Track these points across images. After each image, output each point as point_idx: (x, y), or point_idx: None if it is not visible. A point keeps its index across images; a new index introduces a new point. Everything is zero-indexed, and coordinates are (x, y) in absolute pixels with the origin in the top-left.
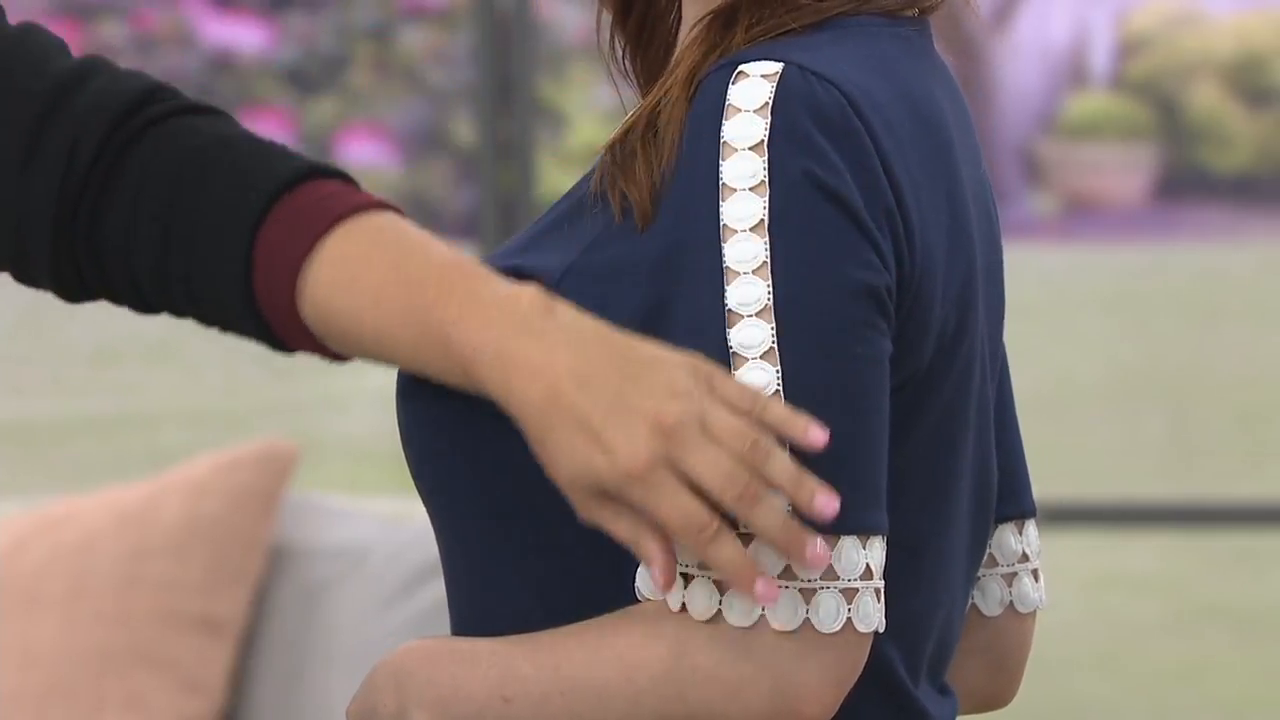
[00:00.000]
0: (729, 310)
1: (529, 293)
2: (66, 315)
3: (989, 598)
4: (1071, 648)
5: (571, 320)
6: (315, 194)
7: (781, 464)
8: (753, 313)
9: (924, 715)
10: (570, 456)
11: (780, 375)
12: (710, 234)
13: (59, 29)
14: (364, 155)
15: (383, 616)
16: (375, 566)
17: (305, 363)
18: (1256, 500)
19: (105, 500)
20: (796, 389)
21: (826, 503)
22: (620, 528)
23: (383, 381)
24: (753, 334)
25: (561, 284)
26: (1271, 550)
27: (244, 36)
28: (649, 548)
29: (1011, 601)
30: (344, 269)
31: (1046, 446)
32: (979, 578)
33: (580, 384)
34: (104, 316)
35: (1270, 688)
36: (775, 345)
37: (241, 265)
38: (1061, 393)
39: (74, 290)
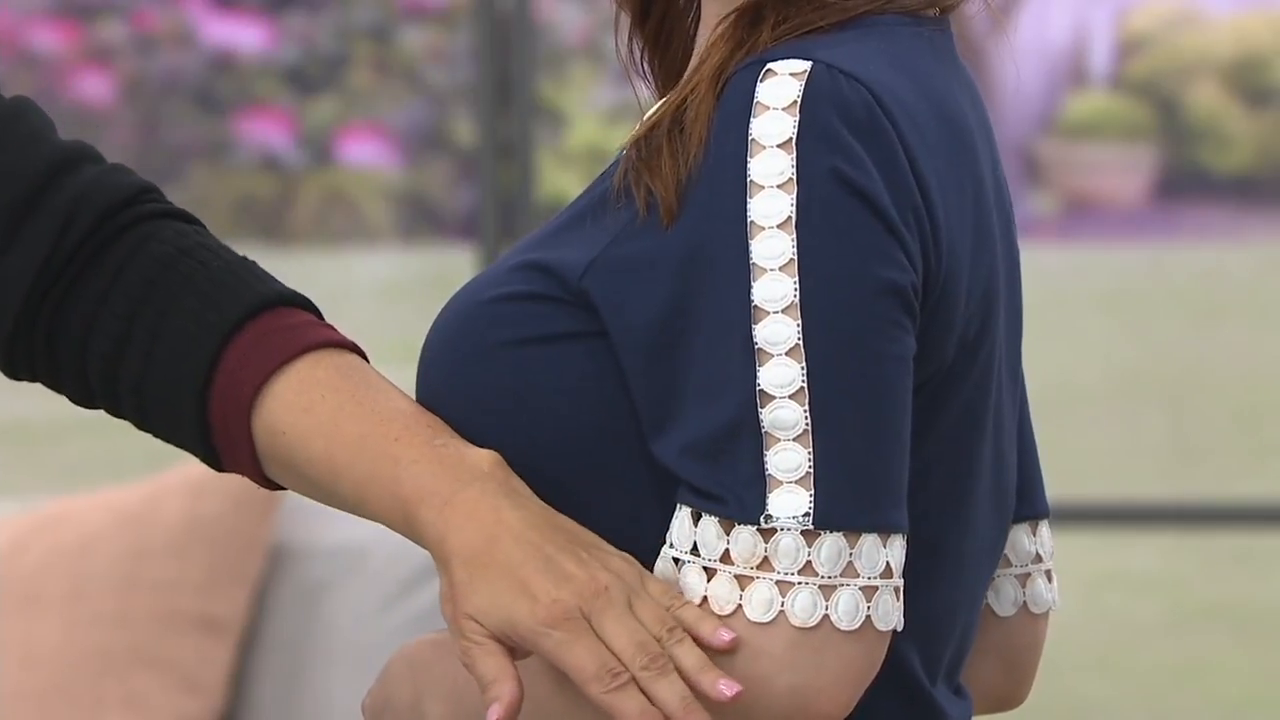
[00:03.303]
0: (755, 306)
1: (490, 457)
2: None
3: (1003, 598)
4: (1071, 648)
5: (526, 493)
6: (289, 320)
7: (692, 651)
8: (779, 309)
9: (941, 715)
10: (489, 596)
11: (805, 372)
12: (737, 230)
13: (59, 29)
14: (364, 155)
15: (383, 616)
16: (375, 566)
17: None
18: (1256, 500)
19: (104, 501)
20: (821, 386)
21: (728, 688)
22: (487, 665)
23: None
24: (779, 330)
25: (584, 278)
26: (1271, 550)
27: (244, 36)
28: (503, 688)
29: (1025, 602)
30: (307, 392)
31: (1046, 446)
32: (993, 578)
33: (519, 540)
34: None
35: (1270, 688)
36: (801, 342)
37: (203, 371)
38: (1061, 393)
39: (19, 368)
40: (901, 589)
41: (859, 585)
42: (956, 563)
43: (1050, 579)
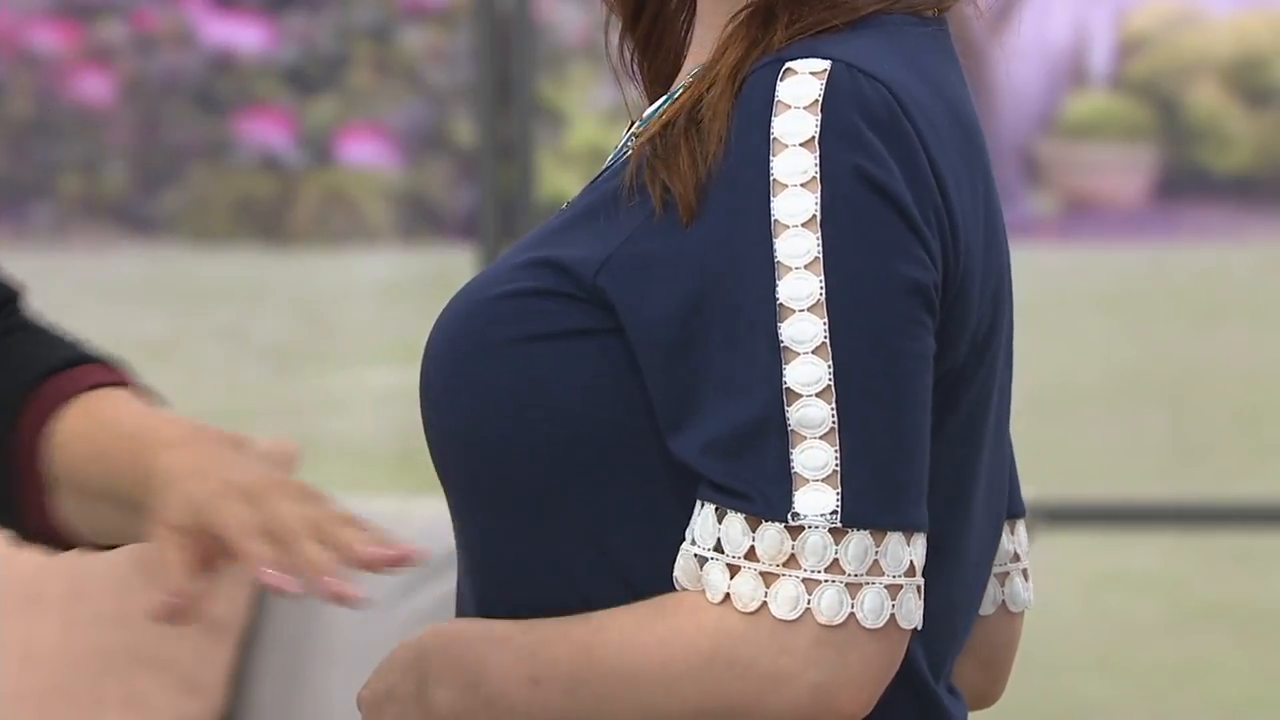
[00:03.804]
0: (780, 304)
1: (218, 432)
2: (67, 314)
3: (984, 598)
4: (1071, 648)
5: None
6: (83, 370)
7: (358, 532)
8: (805, 307)
9: (946, 713)
10: (182, 488)
11: (832, 370)
12: (761, 229)
13: (59, 29)
14: (364, 155)
15: (383, 616)
16: None
17: (305, 363)
18: (1256, 500)
19: None
20: (847, 385)
21: (386, 550)
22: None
23: (383, 382)
24: (805, 328)
25: (599, 275)
26: (1271, 550)
27: (244, 36)
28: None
29: (1004, 601)
30: (87, 417)
31: (1046, 446)
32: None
33: (224, 461)
34: (105, 315)
35: (1270, 688)
36: (828, 340)
37: (9, 421)
38: (1061, 393)
39: None
40: (922, 587)
41: (884, 584)
42: (957, 561)
43: (1026, 578)
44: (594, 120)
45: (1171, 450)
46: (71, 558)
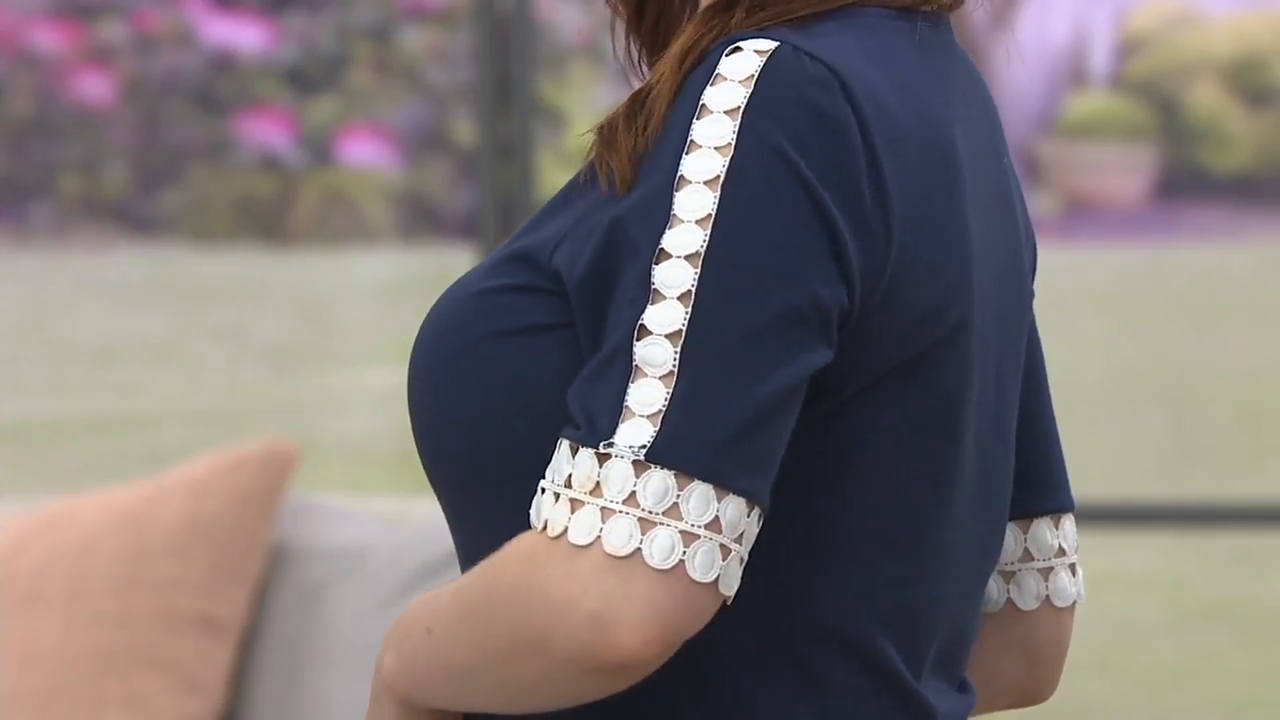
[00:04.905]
0: (661, 249)
1: None
2: (67, 314)
3: (1025, 592)
4: (1072, 648)
5: None
6: None
7: None
8: (682, 255)
9: (925, 708)
10: None
11: (689, 319)
12: (666, 181)
13: (59, 29)
14: (364, 155)
15: (383, 616)
16: (375, 566)
17: (305, 363)
18: (1256, 500)
19: (105, 500)
20: (697, 333)
21: None
22: None
23: (383, 382)
24: (676, 275)
25: (554, 257)
26: (1271, 550)
27: (244, 36)
28: None
29: (1048, 596)
30: None
31: None
32: (1014, 572)
33: None
34: (105, 315)
35: (1270, 688)
36: (694, 289)
37: None
38: (1061, 393)
39: None
40: (734, 552)
41: (679, 529)
42: (938, 556)
43: (1075, 572)
44: (594, 120)
45: (1171, 450)
46: (72, 557)
